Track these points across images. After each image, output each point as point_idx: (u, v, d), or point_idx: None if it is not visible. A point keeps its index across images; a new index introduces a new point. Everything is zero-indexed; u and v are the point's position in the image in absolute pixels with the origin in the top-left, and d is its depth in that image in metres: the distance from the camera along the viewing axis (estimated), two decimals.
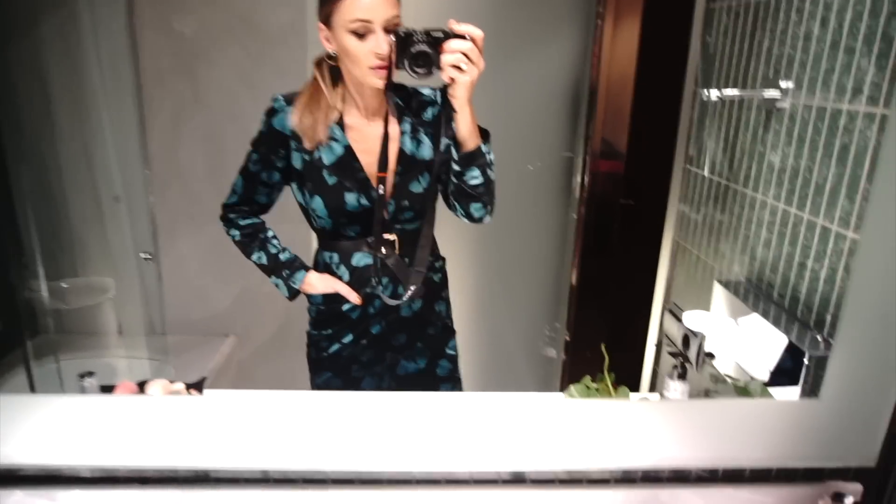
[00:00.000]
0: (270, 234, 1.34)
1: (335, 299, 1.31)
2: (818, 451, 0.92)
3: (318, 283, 1.30)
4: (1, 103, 2.02)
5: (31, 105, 2.05)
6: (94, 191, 2.17)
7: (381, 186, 1.21)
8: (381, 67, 1.11)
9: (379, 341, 1.35)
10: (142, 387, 1.38)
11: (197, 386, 1.43)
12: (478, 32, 1.07)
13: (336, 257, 1.29)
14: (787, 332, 1.12)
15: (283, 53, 2.09)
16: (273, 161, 1.25)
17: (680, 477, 0.92)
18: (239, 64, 2.07)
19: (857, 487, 0.93)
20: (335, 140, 1.21)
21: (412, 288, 1.26)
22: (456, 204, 1.24)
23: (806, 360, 1.01)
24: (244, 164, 1.28)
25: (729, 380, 1.30)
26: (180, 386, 1.41)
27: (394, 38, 1.07)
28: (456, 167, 1.18)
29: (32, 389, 1.53)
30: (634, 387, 1.30)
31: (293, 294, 1.33)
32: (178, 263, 2.32)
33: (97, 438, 0.88)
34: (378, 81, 1.13)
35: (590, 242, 2.21)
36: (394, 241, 1.26)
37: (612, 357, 1.31)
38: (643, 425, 0.90)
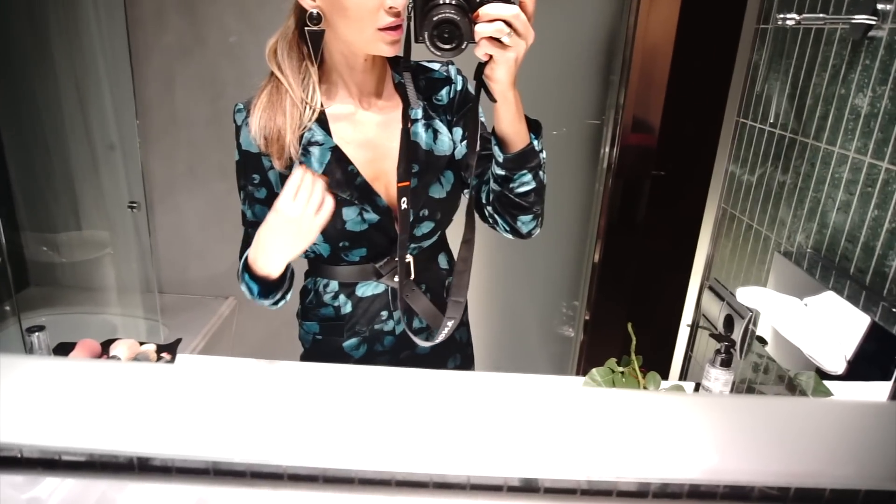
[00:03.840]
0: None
1: (335, 330, 1.03)
2: None
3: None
4: None
5: (24, 47, 1.85)
6: (89, 138, 1.98)
7: (405, 199, 0.90)
8: (394, 28, 0.81)
9: None
10: (106, 346, 1.19)
11: (170, 348, 1.24)
12: None
13: (333, 286, 1.01)
14: (868, 312, 0.88)
15: None
16: (253, 192, 0.94)
17: (738, 495, 0.70)
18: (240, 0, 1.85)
19: None
20: (316, 144, 0.90)
21: (449, 324, 0.95)
22: (497, 217, 0.94)
23: None
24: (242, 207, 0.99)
25: (773, 365, 1.07)
26: (150, 347, 1.21)
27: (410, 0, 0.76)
28: (500, 171, 0.88)
29: None
30: (663, 375, 1.09)
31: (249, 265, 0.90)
32: (175, 219, 2.12)
33: (41, 410, 0.66)
34: (388, 49, 0.83)
35: (614, 216, 1.98)
36: (409, 263, 0.98)
37: (638, 339, 1.09)
38: (690, 425, 0.68)
